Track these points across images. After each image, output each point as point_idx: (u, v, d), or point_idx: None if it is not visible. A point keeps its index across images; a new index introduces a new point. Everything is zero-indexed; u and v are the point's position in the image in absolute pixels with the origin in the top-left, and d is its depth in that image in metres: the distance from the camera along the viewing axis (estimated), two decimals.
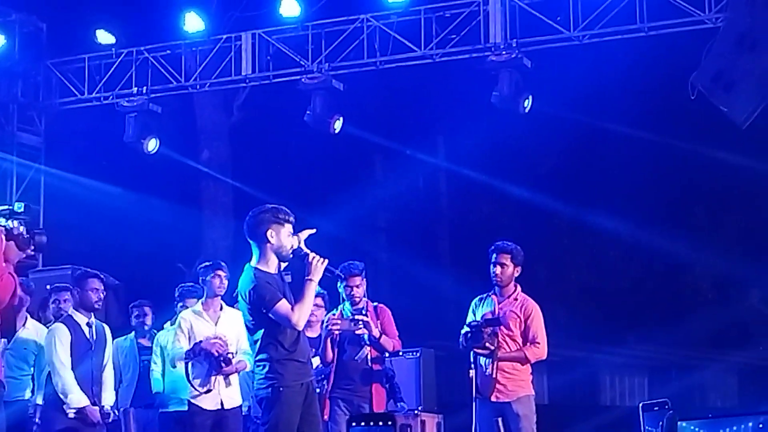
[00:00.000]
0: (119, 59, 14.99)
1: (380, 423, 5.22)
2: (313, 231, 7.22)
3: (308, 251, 7.06)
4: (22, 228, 5.33)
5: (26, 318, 9.52)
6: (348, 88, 14.08)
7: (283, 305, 6.90)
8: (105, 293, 9.15)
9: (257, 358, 7.01)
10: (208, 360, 8.94)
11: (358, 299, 9.20)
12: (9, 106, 15.56)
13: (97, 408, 8.80)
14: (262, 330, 6.95)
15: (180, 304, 9.92)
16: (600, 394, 18.36)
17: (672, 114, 14.71)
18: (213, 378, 8.98)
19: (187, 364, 8.98)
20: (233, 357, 8.97)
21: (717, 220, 16.78)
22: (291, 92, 14.36)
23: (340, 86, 14.02)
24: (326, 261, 7.08)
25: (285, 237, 7.02)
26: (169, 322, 9.81)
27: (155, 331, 10.12)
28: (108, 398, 9.07)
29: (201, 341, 8.96)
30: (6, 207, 5.45)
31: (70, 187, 15.60)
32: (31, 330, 9.46)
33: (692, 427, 6.10)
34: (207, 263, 9.38)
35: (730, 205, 16.82)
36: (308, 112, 13.98)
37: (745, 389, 16.75)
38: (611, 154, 16.60)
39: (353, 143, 15.66)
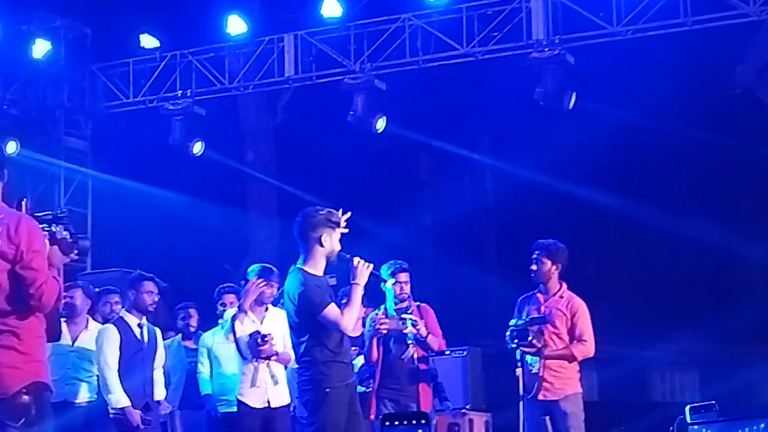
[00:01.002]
0: (163, 63, 15.11)
1: (414, 422, 5.11)
2: (345, 231, 7.18)
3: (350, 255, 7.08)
4: (65, 232, 5.34)
5: (87, 320, 9.61)
6: (390, 87, 14.08)
7: (333, 309, 6.93)
8: (159, 296, 9.21)
9: (302, 359, 7.03)
10: (247, 344, 8.90)
11: (406, 296, 9.19)
12: (56, 111, 15.72)
13: (138, 411, 8.83)
14: (308, 332, 6.98)
15: (219, 302, 9.99)
16: (650, 390, 18.20)
17: (717, 107, 14.56)
18: (254, 364, 8.93)
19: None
20: (270, 337, 8.87)
21: (766, 214, 16.58)
22: (334, 93, 14.38)
23: (383, 86, 14.02)
24: (371, 265, 7.10)
25: (335, 241, 7.08)
26: (221, 321, 9.86)
27: (201, 333, 10.17)
28: (158, 394, 9.16)
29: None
30: (49, 212, 5.47)
31: (117, 190, 15.72)
32: (93, 332, 9.54)
33: (704, 430, 5.98)
34: (257, 266, 9.29)
35: None
36: (351, 112, 14.01)
37: None
38: (656, 149, 16.45)
39: (397, 142, 15.63)
